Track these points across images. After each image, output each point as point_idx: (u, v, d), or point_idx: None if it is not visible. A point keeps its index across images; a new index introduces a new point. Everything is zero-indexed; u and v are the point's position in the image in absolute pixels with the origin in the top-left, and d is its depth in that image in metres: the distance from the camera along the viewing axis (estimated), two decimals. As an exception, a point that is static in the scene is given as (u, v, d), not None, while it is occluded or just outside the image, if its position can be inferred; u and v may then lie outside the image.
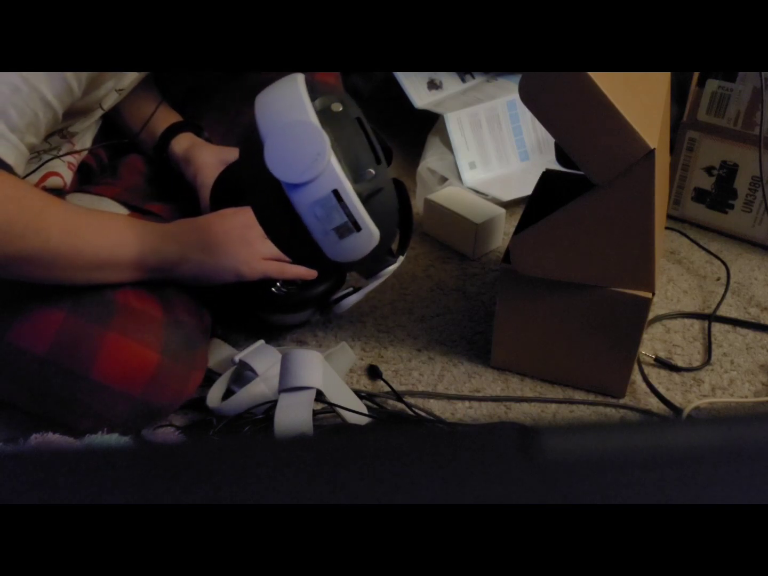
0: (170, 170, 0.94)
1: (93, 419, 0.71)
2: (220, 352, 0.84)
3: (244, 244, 0.76)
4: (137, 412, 0.72)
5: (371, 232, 0.62)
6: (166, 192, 0.94)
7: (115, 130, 0.96)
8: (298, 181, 0.59)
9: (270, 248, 0.76)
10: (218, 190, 0.84)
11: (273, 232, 0.66)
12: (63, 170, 0.85)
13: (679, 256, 1.06)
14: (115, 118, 0.94)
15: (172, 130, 0.93)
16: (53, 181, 0.83)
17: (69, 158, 0.86)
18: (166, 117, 0.95)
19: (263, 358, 0.78)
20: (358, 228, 0.61)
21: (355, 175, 0.60)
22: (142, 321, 0.71)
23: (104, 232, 0.69)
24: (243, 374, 0.79)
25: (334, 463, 0.22)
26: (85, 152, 0.91)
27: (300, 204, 0.60)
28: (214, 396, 0.77)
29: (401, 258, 0.79)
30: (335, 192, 0.59)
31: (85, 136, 0.89)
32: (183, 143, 0.92)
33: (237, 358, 0.78)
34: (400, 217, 0.66)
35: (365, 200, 0.61)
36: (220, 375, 0.80)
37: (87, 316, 0.69)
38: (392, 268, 0.78)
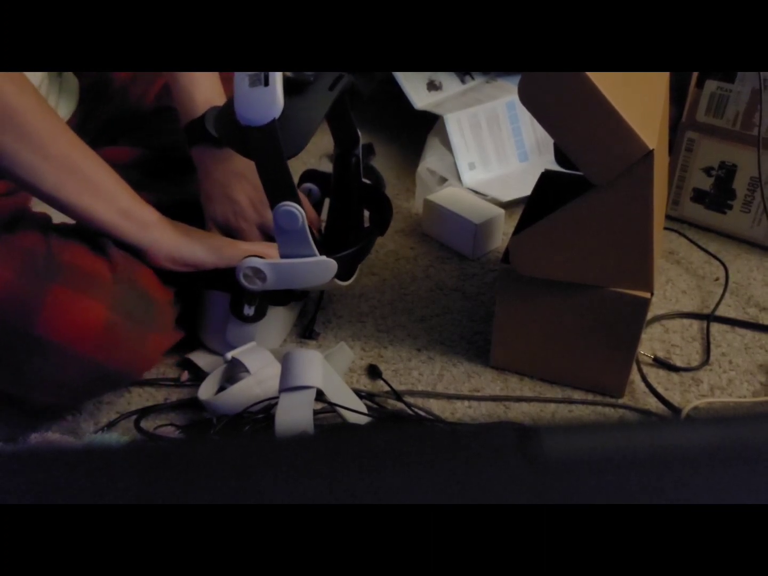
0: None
1: (44, 387, 0.68)
2: (210, 356, 0.84)
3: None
4: (90, 376, 0.68)
5: None
6: (160, 180, 0.87)
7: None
8: None
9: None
10: None
11: None
12: None
13: (678, 256, 1.06)
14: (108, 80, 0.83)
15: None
16: None
17: None
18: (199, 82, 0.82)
19: (255, 357, 0.78)
20: None
21: None
22: (91, 276, 0.68)
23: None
24: (236, 375, 0.79)
25: (334, 463, 0.22)
26: None
27: None
28: (206, 389, 0.77)
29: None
30: None
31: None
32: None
33: (229, 355, 0.78)
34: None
35: None
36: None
37: (33, 274, 0.66)
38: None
